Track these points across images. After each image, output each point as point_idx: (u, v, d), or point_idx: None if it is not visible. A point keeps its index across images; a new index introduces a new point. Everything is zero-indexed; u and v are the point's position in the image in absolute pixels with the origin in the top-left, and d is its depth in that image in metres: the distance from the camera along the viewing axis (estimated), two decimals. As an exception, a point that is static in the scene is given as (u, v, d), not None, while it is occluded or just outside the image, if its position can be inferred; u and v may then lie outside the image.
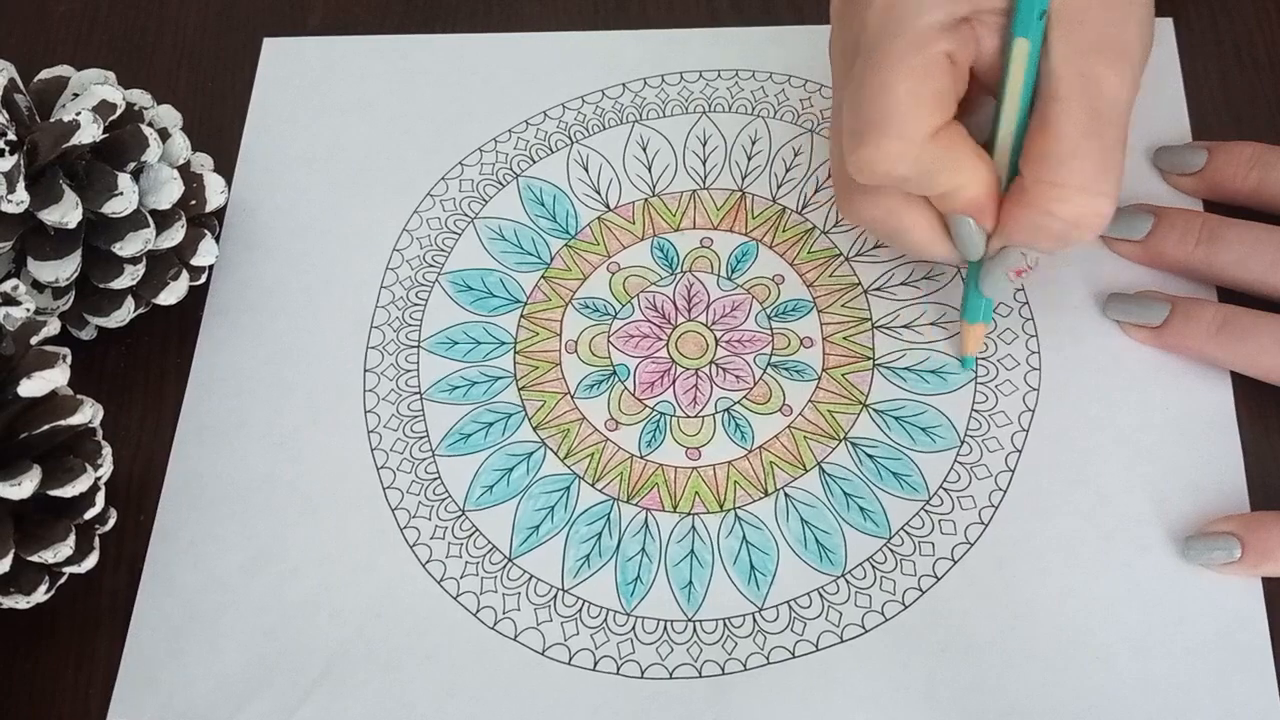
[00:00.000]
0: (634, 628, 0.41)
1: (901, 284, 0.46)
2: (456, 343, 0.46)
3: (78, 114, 0.42)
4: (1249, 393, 0.42)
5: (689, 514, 0.42)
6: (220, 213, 0.48)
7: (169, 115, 0.46)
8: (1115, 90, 0.36)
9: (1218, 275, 0.43)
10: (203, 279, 0.47)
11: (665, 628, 0.41)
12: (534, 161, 0.49)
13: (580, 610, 0.41)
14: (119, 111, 0.43)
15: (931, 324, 0.45)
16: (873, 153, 0.37)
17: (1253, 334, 0.41)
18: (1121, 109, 0.37)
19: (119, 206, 0.43)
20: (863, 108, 0.37)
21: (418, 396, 0.45)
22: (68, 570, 0.41)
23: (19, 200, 0.41)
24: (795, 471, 0.43)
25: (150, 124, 0.44)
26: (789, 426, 0.44)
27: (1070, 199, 0.37)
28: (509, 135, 0.50)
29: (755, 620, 0.41)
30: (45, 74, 0.45)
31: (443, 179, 0.49)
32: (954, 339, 0.44)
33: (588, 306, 0.46)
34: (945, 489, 0.42)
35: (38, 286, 0.44)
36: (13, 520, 0.39)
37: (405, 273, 0.47)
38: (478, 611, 0.41)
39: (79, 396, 0.40)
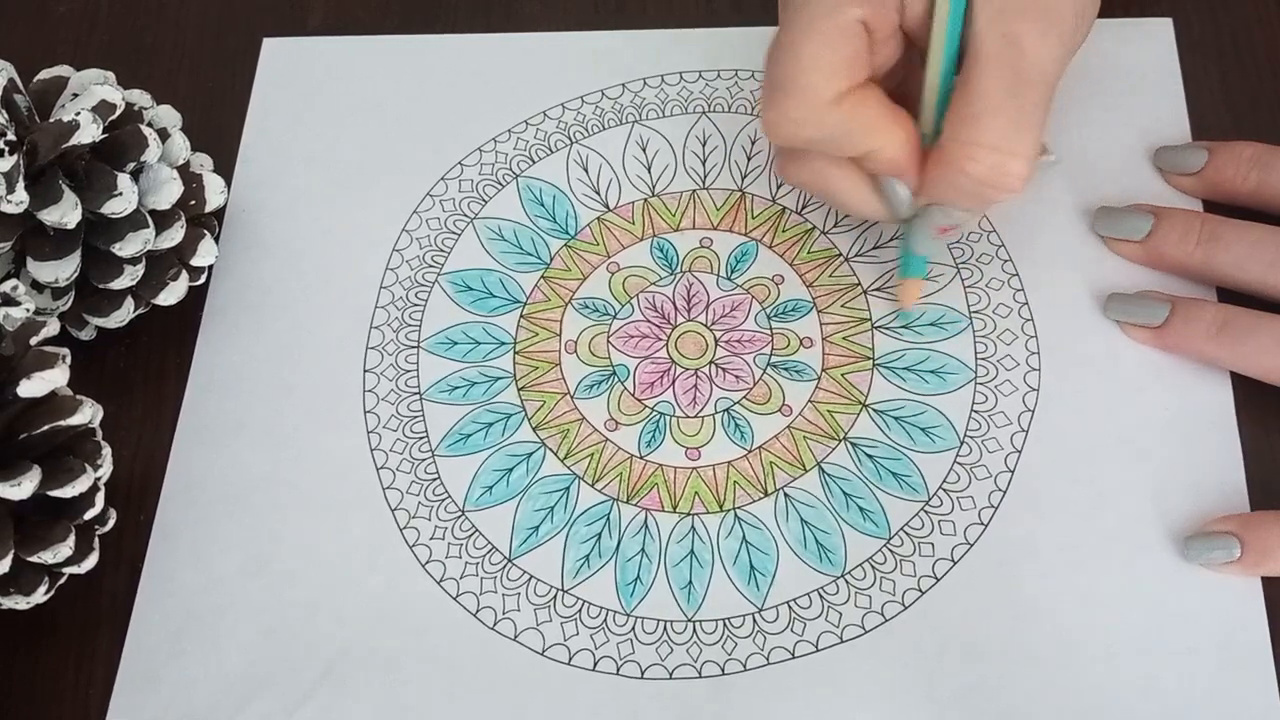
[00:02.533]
0: (634, 628, 0.41)
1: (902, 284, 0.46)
2: (456, 343, 0.46)
3: (77, 114, 0.42)
4: (1249, 393, 0.42)
5: (689, 514, 0.42)
6: (220, 213, 0.48)
7: (168, 115, 0.46)
8: (1037, 51, 0.37)
9: (1217, 276, 0.43)
10: (202, 279, 0.47)
11: (665, 628, 0.41)
12: (534, 162, 0.49)
13: (580, 611, 0.41)
14: (118, 112, 0.43)
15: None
16: (776, 115, 0.38)
17: (1253, 334, 0.41)
18: (1044, 70, 0.37)
19: (118, 207, 0.43)
20: (772, 70, 0.38)
21: (417, 397, 0.45)
22: (67, 571, 0.41)
23: (19, 200, 0.41)
24: (795, 472, 0.43)
25: (150, 124, 0.44)
26: (789, 427, 0.44)
27: (982, 158, 0.37)
28: (509, 135, 0.50)
29: (755, 621, 0.41)
30: (45, 74, 0.45)
31: (442, 179, 0.49)
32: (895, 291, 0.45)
33: (587, 307, 0.46)
34: (945, 489, 0.42)
35: (37, 287, 0.44)
36: (13, 521, 0.39)
37: (405, 273, 0.47)
38: (477, 612, 0.41)
39: (79, 397, 0.40)
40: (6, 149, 0.41)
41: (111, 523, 0.42)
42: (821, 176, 0.41)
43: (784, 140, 0.40)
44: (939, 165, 0.39)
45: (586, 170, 0.49)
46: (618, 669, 0.40)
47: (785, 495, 0.42)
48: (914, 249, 0.43)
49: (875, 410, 0.44)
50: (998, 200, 0.39)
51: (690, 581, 0.41)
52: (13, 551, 0.38)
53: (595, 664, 0.40)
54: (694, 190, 0.48)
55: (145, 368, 0.46)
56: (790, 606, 0.41)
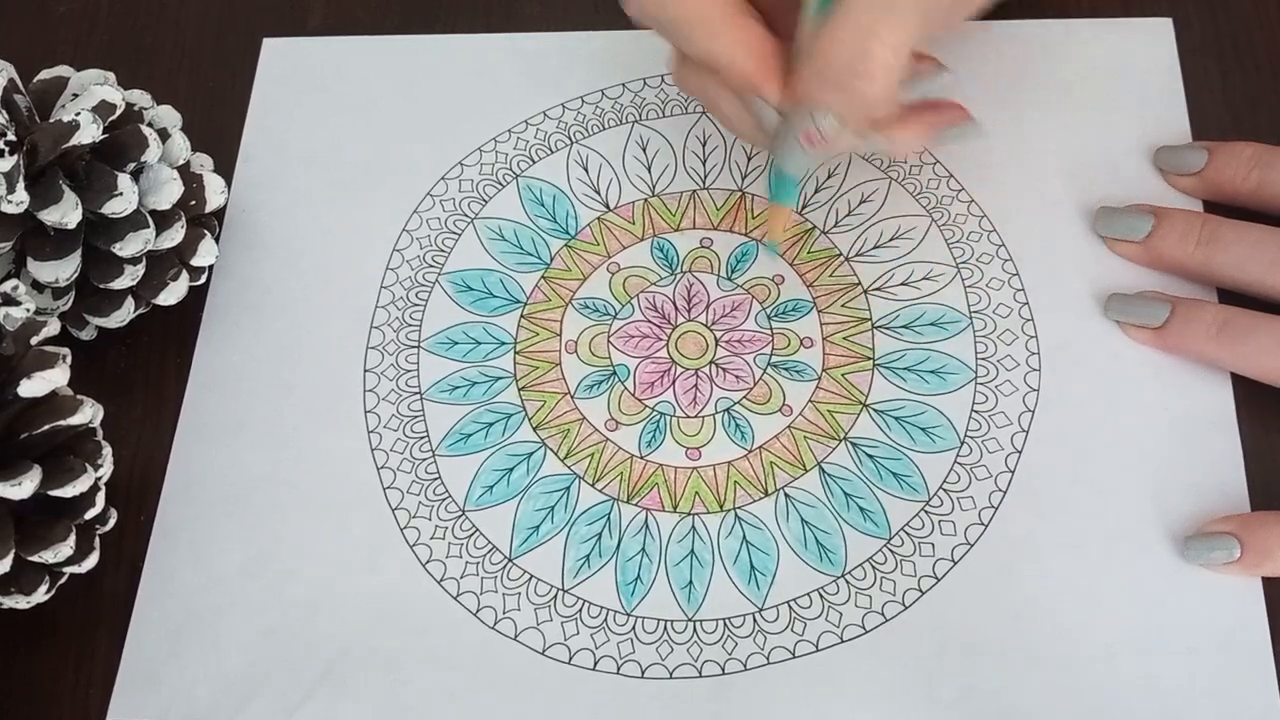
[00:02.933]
0: (634, 628, 0.41)
1: (902, 284, 0.46)
2: (456, 343, 0.46)
3: (77, 114, 0.42)
4: (1249, 393, 0.42)
5: (689, 514, 0.43)
6: (220, 213, 0.48)
7: (169, 115, 0.46)
8: None
9: (1217, 276, 0.43)
10: (203, 279, 0.47)
11: (665, 628, 0.41)
12: (534, 162, 0.49)
13: (580, 610, 0.41)
14: (119, 112, 0.43)
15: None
16: None
17: (1253, 335, 0.41)
18: None
19: (119, 207, 0.43)
20: None
21: (418, 396, 0.45)
22: (68, 570, 0.41)
23: (19, 201, 0.41)
24: (795, 472, 0.43)
25: (150, 124, 0.44)
26: (789, 427, 0.44)
27: (844, 39, 0.36)
28: (509, 135, 0.50)
29: (755, 620, 0.41)
30: (45, 74, 0.45)
31: (443, 179, 0.49)
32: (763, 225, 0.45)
33: (588, 307, 0.46)
34: (945, 489, 0.42)
35: (38, 287, 0.44)
36: (13, 520, 0.39)
37: (405, 273, 0.47)
38: (478, 611, 0.41)
39: (79, 397, 0.40)
40: (7, 149, 0.41)
41: (112, 522, 0.42)
42: (703, 88, 0.41)
43: (635, 12, 0.39)
44: (803, 60, 0.38)
45: (587, 170, 0.49)
46: (618, 669, 0.40)
47: (785, 495, 0.42)
48: (781, 165, 0.41)
49: (875, 410, 0.44)
50: (864, 100, 0.37)
51: (690, 581, 0.41)
52: (13, 551, 0.38)
53: (595, 664, 0.40)
54: (694, 190, 0.48)
55: (145, 368, 0.46)
56: (790, 606, 0.41)
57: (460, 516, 0.43)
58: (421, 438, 0.44)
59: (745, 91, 0.39)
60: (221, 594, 0.42)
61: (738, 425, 0.44)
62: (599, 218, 0.48)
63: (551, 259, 0.47)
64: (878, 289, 0.46)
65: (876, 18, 0.36)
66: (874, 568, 0.41)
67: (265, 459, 0.44)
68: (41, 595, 0.40)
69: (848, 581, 0.41)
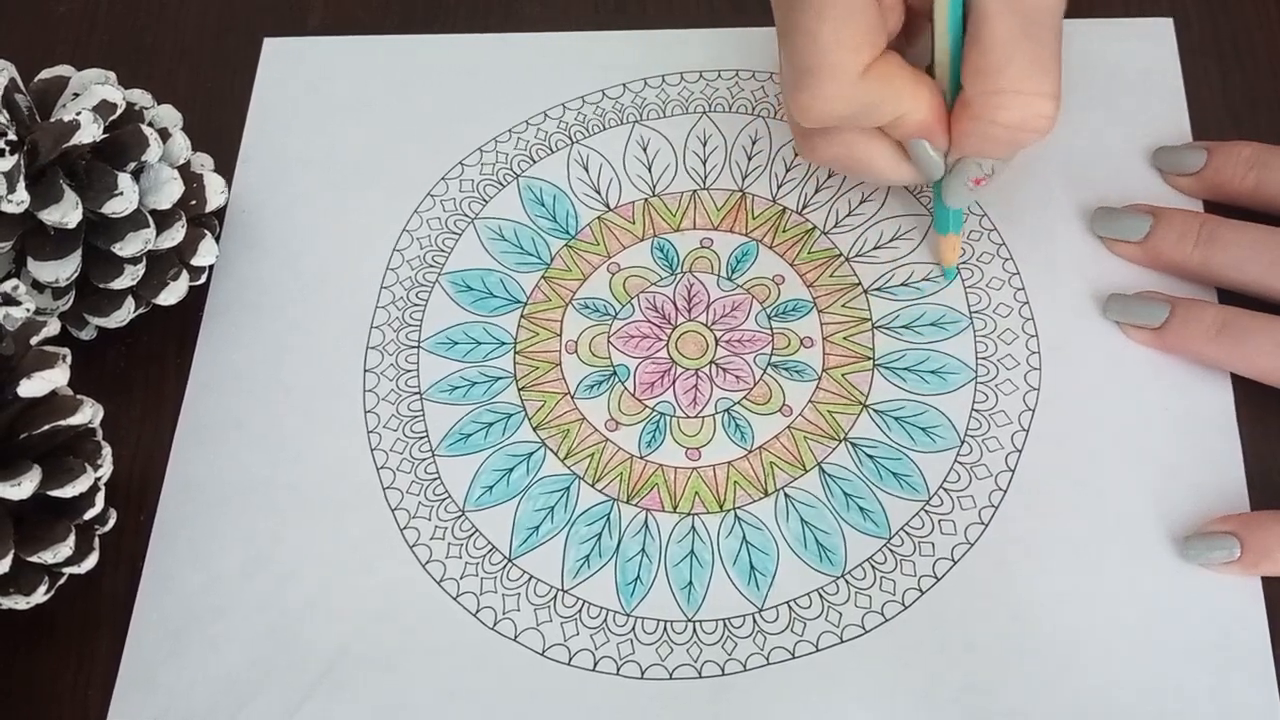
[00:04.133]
0: (634, 628, 0.41)
1: (902, 284, 0.46)
2: (456, 343, 0.46)
3: (78, 114, 0.42)
4: (1249, 393, 0.42)
5: (689, 514, 0.42)
6: (220, 213, 0.48)
7: (169, 115, 0.46)
8: None
9: (1216, 276, 0.43)
10: (203, 279, 0.47)
11: (665, 628, 0.41)
12: (534, 161, 0.49)
13: (580, 611, 0.41)
14: (119, 111, 0.43)
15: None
16: (809, 98, 0.39)
17: (1252, 336, 0.41)
18: (1050, 12, 0.38)
19: (119, 206, 0.43)
20: (794, 55, 0.39)
21: (418, 397, 0.45)
22: (68, 570, 0.41)
23: (19, 200, 0.41)
24: (795, 472, 0.43)
25: (150, 124, 0.44)
26: (789, 427, 0.44)
27: (1010, 104, 0.38)
28: (509, 135, 0.50)
29: (755, 621, 0.41)
30: (45, 74, 0.45)
31: (443, 179, 0.49)
32: (933, 251, 0.46)
33: (588, 307, 0.46)
34: (945, 489, 0.42)
35: (38, 286, 0.44)
36: (13, 520, 0.39)
37: (405, 273, 0.47)
38: (477, 612, 0.41)
39: (79, 397, 0.40)
40: (7, 149, 0.41)
41: (112, 522, 0.42)
42: (852, 150, 0.42)
43: (818, 121, 0.40)
44: (969, 119, 0.39)
45: (587, 170, 0.49)
46: (618, 669, 0.40)
47: (785, 495, 0.42)
48: (949, 203, 0.43)
49: (875, 410, 0.44)
50: (1030, 143, 0.40)
51: (690, 581, 0.41)
52: (13, 551, 0.38)
53: (595, 664, 0.40)
54: (694, 190, 0.48)
55: (145, 368, 0.46)
56: (790, 606, 0.41)
57: (460, 517, 0.43)
58: (421, 438, 0.44)
59: (919, 137, 0.41)
60: (221, 594, 0.42)
61: (738, 425, 0.44)
62: (599, 218, 0.48)
63: (552, 259, 0.47)
64: (878, 289, 0.46)
65: (1033, 78, 0.38)
66: (874, 567, 0.41)
67: (265, 459, 0.44)
68: (41, 595, 0.40)
69: (847, 581, 0.41)
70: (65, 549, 0.40)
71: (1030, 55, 0.38)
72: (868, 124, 0.41)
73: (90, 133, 0.42)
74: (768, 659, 0.40)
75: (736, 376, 0.45)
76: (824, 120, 0.40)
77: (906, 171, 0.42)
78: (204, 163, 0.47)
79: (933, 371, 0.44)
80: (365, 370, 0.46)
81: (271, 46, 0.52)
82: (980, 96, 0.39)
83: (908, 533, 0.42)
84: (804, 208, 0.47)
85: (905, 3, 0.41)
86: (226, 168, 0.50)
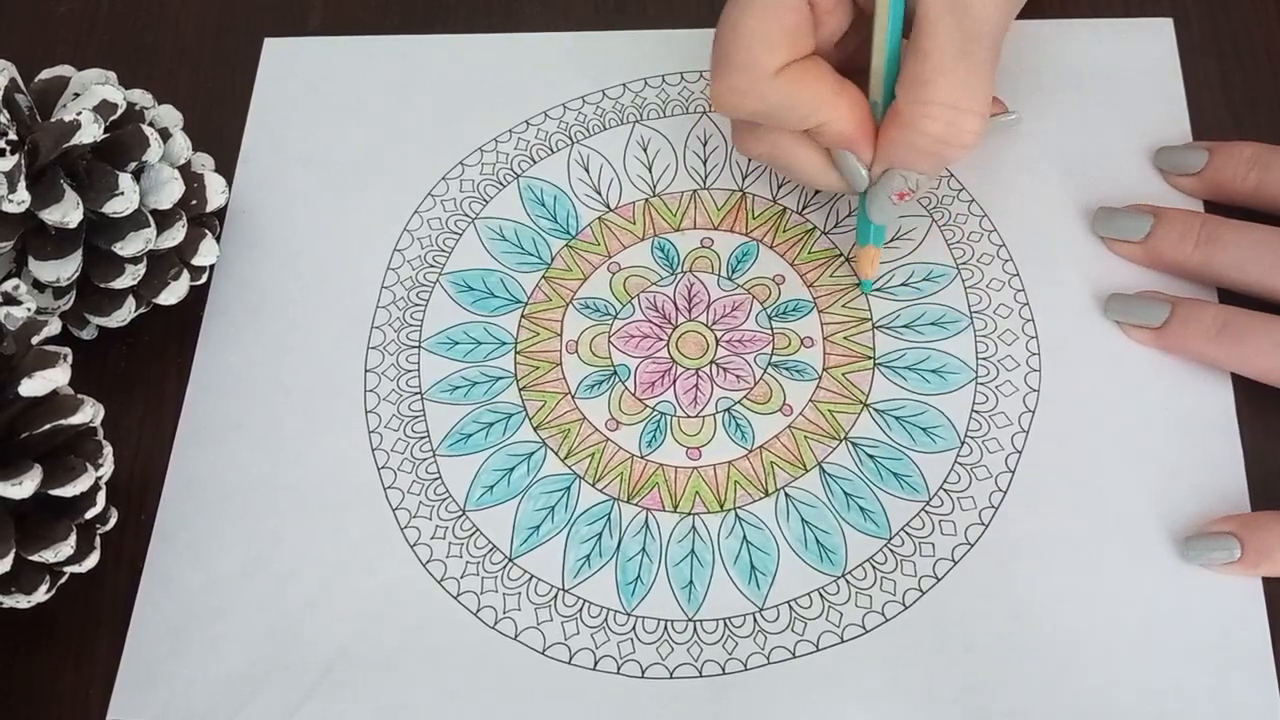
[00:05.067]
0: (634, 627, 0.41)
1: (902, 284, 0.46)
2: (457, 343, 0.46)
3: (78, 114, 0.42)
4: (1249, 393, 0.42)
5: (689, 514, 0.43)
6: (221, 213, 0.48)
7: (170, 115, 0.46)
8: (982, 8, 0.38)
9: (1216, 276, 0.43)
10: (203, 279, 0.47)
11: (665, 627, 0.41)
12: (534, 162, 0.49)
13: (581, 610, 0.41)
14: (120, 111, 0.43)
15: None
16: (720, 87, 0.40)
17: (1252, 336, 0.41)
18: (990, 27, 0.38)
19: (120, 206, 0.43)
20: (716, 44, 0.39)
21: (418, 397, 0.45)
22: (68, 570, 0.41)
23: (20, 200, 0.41)
24: (796, 471, 0.43)
25: (151, 124, 0.44)
26: (789, 426, 0.44)
27: (938, 116, 0.39)
28: (509, 135, 0.50)
29: (755, 620, 0.41)
30: (46, 74, 0.45)
31: (443, 179, 0.49)
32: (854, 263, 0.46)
33: (588, 307, 0.46)
34: (945, 489, 0.42)
35: (39, 286, 0.44)
36: (14, 520, 0.39)
37: (406, 273, 0.47)
38: (478, 611, 0.41)
39: (80, 396, 0.40)
40: (8, 148, 0.41)
41: (112, 522, 0.42)
42: (776, 149, 0.42)
43: (729, 111, 0.41)
44: (895, 128, 0.40)
45: (587, 170, 0.49)
46: (618, 668, 0.40)
47: (786, 495, 0.43)
48: (872, 216, 0.43)
49: (876, 410, 0.44)
50: (954, 159, 0.40)
51: (691, 581, 0.41)
52: (14, 550, 0.38)
53: (596, 663, 0.40)
54: (695, 190, 0.48)
55: (146, 367, 0.46)
56: (791, 606, 0.41)
57: (460, 516, 0.43)
58: (422, 438, 0.44)
59: (841, 147, 0.41)
60: (222, 594, 0.42)
61: (738, 425, 0.44)
62: (599, 217, 0.48)
63: (552, 259, 0.47)
64: (878, 289, 0.46)
65: (963, 92, 0.38)
66: (874, 567, 0.41)
67: (266, 459, 0.44)
68: (42, 595, 0.40)
69: (848, 581, 0.41)
70: (66, 548, 0.40)
71: (965, 70, 0.38)
72: (785, 125, 0.41)
73: (91, 133, 0.42)
74: (768, 658, 0.40)
75: (737, 376, 0.45)
76: (735, 112, 0.40)
77: (833, 179, 0.42)
78: (204, 163, 0.47)
79: (933, 371, 0.44)
80: (366, 370, 0.46)
81: (272, 46, 0.52)
82: (910, 106, 0.39)
83: (908, 533, 0.42)
84: (804, 208, 0.47)
85: (857, 10, 0.41)
86: (227, 168, 0.50)
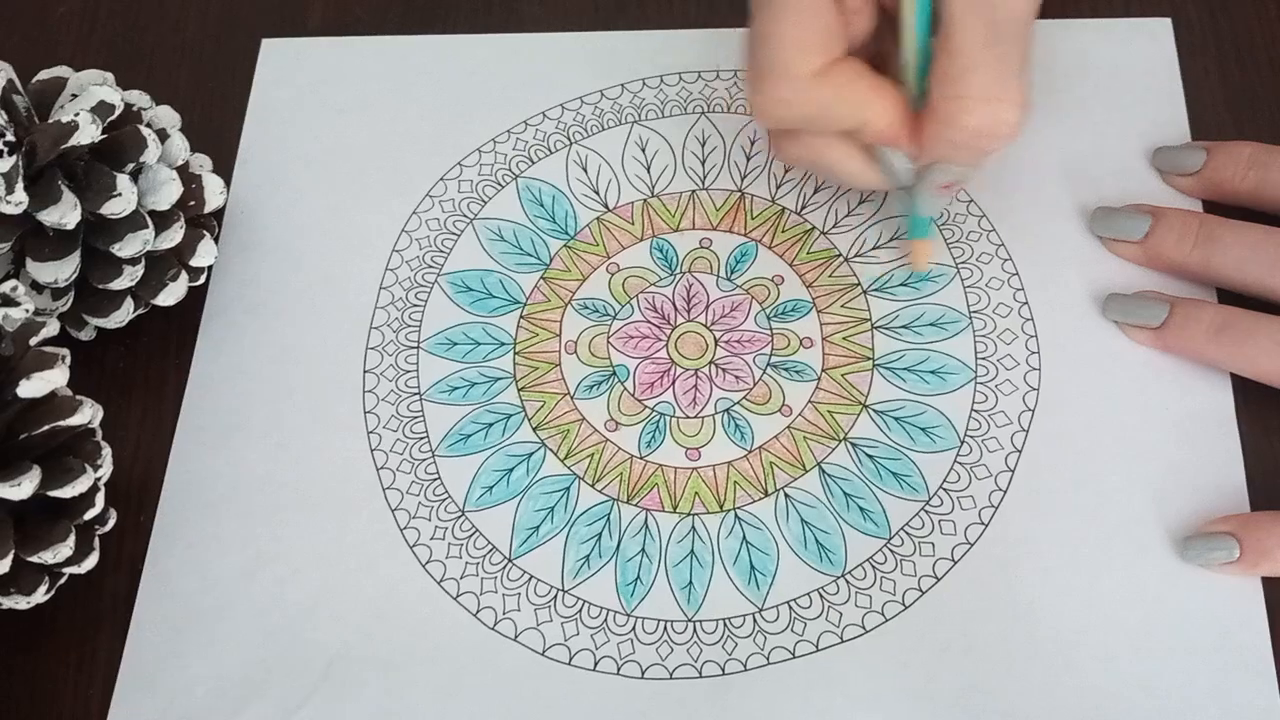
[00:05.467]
0: (634, 628, 0.41)
1: (901, 284, 0.46)
2: (456, 343, 0.46)
3: (76, 115, 0.42)
4: (1249, 393, 0.42)
5: (689, 514, 0.42)
6: (219, 213, 0.48)
7: (168, 116, 0.46)
8: (1010, 3, 0.38)
9: (1215, 276, 0.43)
10: (202, 280, 0.47)
11: (665, 628, 0.41)
12: (533, 162, 0.49)
13: (580, 611, 0.41)
14: (117, 112, 0.43)
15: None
16: (762, 99, 0.40)
17: (1252, 336, 0.41)
18: (1018, 20, 0.38)
19: (118, 207, 0.43)
20: (752, 56, 0.39)
21: (417, 397, 0.45)
22: (68, 571, 0.41)
23: (18, 201, 0.41)
24: (795, 472, 0.43)
25: (149, 125, 0.44)
26: (789, 427, 0.44)
27: (974, 110, 0.39)
28: (508, 136, 0.50)
29: (755, 621, 0.41)
30: (44, 75, 0.45)
31: (442, 180, 0.49)
32: (908, 256, 0.46)
33: (587, 307, 0.46)
34: (945, 489, 0.42)
35: (37, 287, 0.44)
36: (13, 521, 0.39)
37: (404, 273, 0.47)
38: (478, 612, 0.41)
39: (78, 397, 0.40)
40: (6, 149, 0.41)
41: (112, 523, 0.42)
42: (817, 152, 0.42)
43: (772, 122, 0.41)
44: (934, 124, 0.40)
45: (586, 170, 0.49)
46: (618, 669, 0.40)
47: (785, 495, 0.42)
48: (920, 210, 0.43)
49: (875, 410, 0.44)
50: (997, 149, 0.40)
51: (690, 581, 0.41)
52: (13, 551, 0.38)
53: (596, 664, 0.40)
54: (693, 191, 0.48)
55: (145, 368, 0.46)
56: (790, 606, 0.41)
57: (460, 517, 0.43)
58: (421, 438, 0.44)
59: (883, 144, 0.41)
60: (221, 594, 0.42)
61: (737, 425, 0.44)
62: (598, 218, 0.48)
63: (551, 259, 0.47)
64: (877, 289, 0.46)
65: (997, 84, 0.38)
66: (874, 568, 0.41)
67: (265, 459, 0.44)
68: (41, 596, 0.40)
69: (848, 581, 0.41)
70: (65, 549, 0.40)
71: (996, 63, 0.38)
72: (826, 128, 0.41)
73: (89, 134, 0.42)
74: (768, 659, 0.40)
75: (736, 377, 0.45)
76: (778, 122, 0.40)
77: (874, 177, 0.42)
78: (203, 163, 0.47)
79: (932, 372, 0.44)
80: (365, 371, 0.46)
81: (270, 47, 0.52)
82: (945, 102, 0.39)
83: (908, 533, 0.42)
84: (803, 208, 0.47)
85: (881, 7, 0.41)
86: (225, 168, 0.50)
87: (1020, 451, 0.42)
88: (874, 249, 0.46)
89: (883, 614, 0.40)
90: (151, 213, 0.44)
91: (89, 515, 0.40)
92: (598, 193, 0.48)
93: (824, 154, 0.42)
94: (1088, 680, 0.39)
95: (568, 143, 0.49)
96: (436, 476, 0.44)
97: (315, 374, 0.46)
